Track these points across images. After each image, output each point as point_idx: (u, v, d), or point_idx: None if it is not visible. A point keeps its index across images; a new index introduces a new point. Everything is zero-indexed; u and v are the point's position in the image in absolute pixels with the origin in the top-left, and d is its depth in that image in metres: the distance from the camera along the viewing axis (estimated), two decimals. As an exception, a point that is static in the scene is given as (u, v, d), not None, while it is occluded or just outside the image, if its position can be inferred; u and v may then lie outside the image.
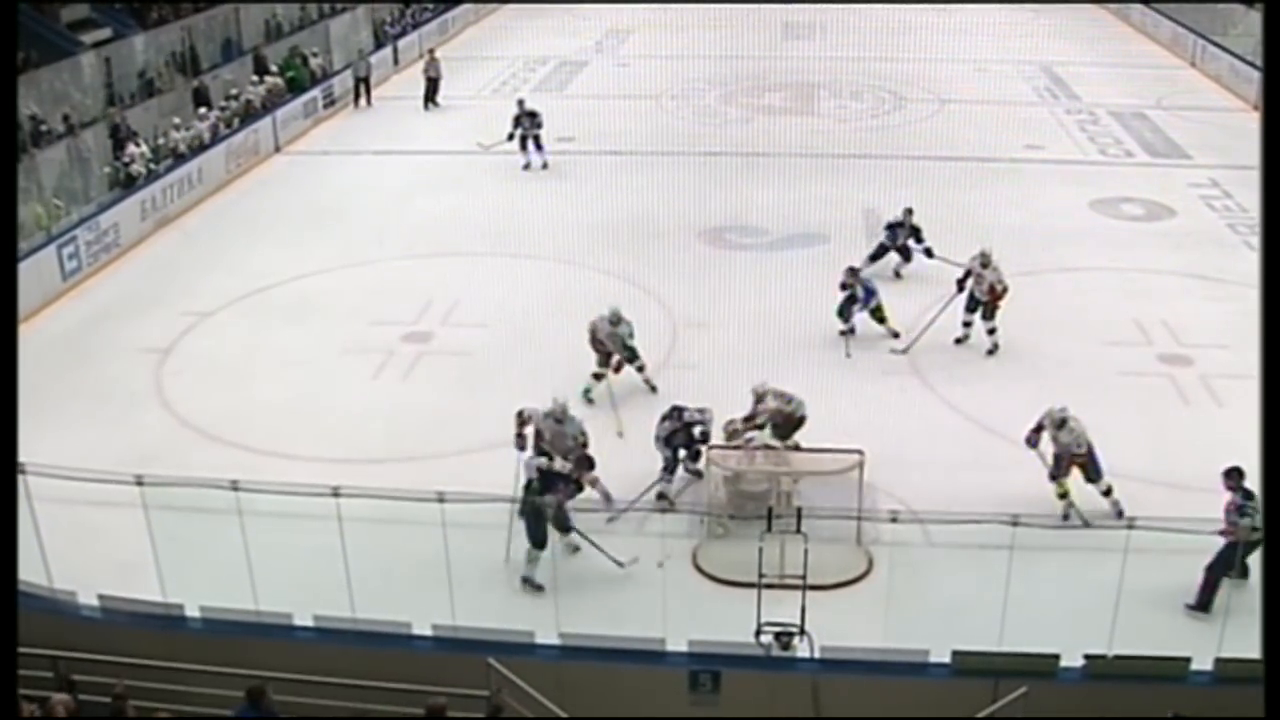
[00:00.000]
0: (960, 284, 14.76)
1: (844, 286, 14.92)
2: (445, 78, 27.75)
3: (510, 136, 22.37)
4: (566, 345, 13.92)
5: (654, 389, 13.48)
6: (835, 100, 27.69)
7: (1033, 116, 25.79)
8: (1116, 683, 8.80)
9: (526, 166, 22.28)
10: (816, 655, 9.00)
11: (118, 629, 9.58)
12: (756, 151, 21.76)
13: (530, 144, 22.24)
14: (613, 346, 13.38)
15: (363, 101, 27.95)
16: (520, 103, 22.74)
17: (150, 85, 24.53)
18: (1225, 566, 9.80)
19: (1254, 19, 27.00)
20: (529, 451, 11.24)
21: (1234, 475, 9.88)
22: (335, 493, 9.18)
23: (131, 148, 20.89)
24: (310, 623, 9.47)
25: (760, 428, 11.66)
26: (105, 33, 24.45)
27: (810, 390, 12.26)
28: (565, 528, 10.57)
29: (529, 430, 11.41)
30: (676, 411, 11.70)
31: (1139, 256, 17.99)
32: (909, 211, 16.77)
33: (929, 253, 16.57)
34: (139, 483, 9.41)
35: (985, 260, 14.53)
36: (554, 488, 10.41)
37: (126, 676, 8.54)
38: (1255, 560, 9.41)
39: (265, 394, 14.08)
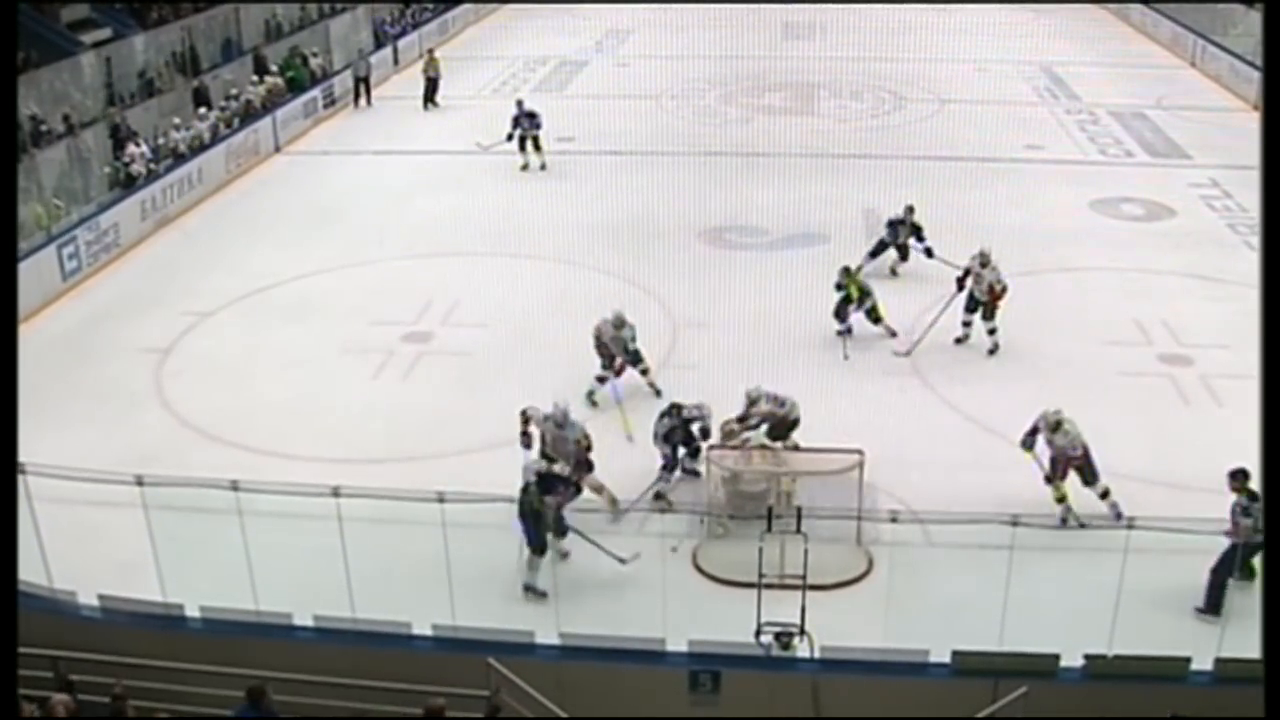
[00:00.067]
0: (960, 283, 14.77)
1: (839, 287, 14.92)
2: (445, 78, 27.77)
3: (509, 137, 22.37)
4: (566, 345, 13.92)
5: (658, 393, 13.44)
6: (835, 100, 27.70)
7: (1033, 116, 25.79)
8: (1116, 683, 8.80)
9: (524, 167, 22.26)
10: (816, 655, 9.00)
11: (118, 629, 9.58)
12: (756, 151, 21.77)
13: (529, 145, 22.25)
14: (616, 350, 13.39)
15: (363, 101, 27.96)
16: (519, 103, 22.73)
17: (150, 85, 24.52)
18: (1228, 568, 9.79)
19: (1254, 19, 26.99)
20: (535, 450, 11.25)
21: (1239, 477, 9.85)
22: (335, 493, 9.19)
23: (131, 148, 20.90)
24: (310, 623, 9.47)
25: (754, 429, 11.68)
26: (105, 33, 24.45)
27: (810, 390, 12.27)
28: (561, 531, 10.55)
29: (534, 430, 11.43)
30: (675, 409, 11.72)
31: (1139, 256, 17.99)
32: (910, 209, 16.78)
33: (929, 252, 16.58)
34: (139, 483, 9.41)
35: (984, 260, 14.53)
36: (553, 490, 10.41)
37: (126, 677, 8.55)
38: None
39: (265, 394, 14.08)
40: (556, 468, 10.67)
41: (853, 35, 28.16)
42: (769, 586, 9.03)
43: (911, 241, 16.78)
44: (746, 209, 19.28)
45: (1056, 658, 8.88)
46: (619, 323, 13.31)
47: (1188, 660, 8.87)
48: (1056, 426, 11.08)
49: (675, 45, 32.28)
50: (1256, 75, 24.37)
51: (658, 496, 11.52)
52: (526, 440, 11.34)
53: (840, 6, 27.63)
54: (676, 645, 9.17)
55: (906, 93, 27.97)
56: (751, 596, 9.04)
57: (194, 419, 13.55)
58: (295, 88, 26.62)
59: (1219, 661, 8.81)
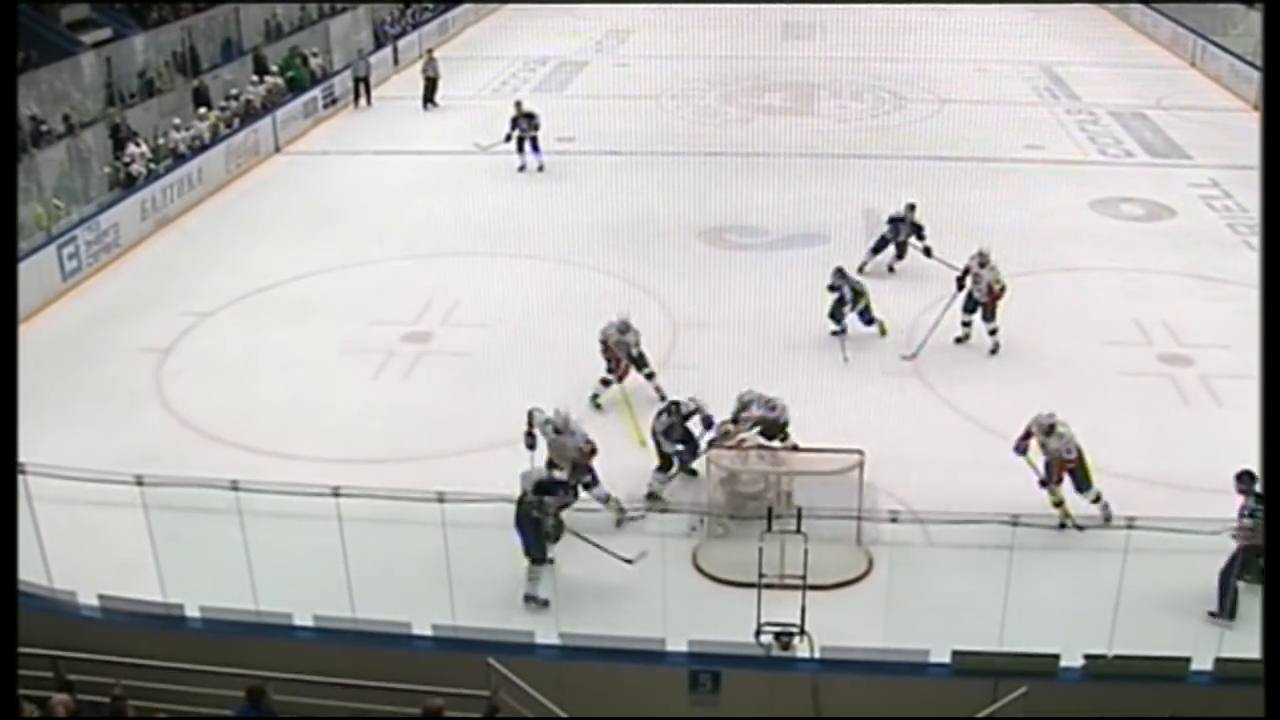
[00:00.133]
0: (960, 283, 14.77)
1: (832, 288, 14.92)
2: (444, 78, 27.76)
3: (508, 138, 22.36)
4: (566, 345, 13.93)
5: (664, 398, 13.41)
6: (835, 100, 27.70)
7: (1033, 116, 25.80)
8: (1116, 683, 8.80)
9: (522, 168, 22.25)
10: (816, 655, 9.00)
11: (118, 629, 9.58)
12: (756, 151, 21.75)
13: (527, 145, 22.24)
14: (620, 354, 13.40)
15: (362, 101, 27.95)
16: (518, 104, 22.72)
17: (150, 85, 24.52)
18: (1234, 571, 9.76)
19: (1254, 19, 27.00)
20: (540, 450, 11.25)
21: (1245, 479, 9.82)
22: (335, 493, 9.19)
23: (131, 148, 20.90)
24: (310, 623, 9.47)
25: (746, 433, 11.67)
26: (105, 33, 24.45)
27: (810, 390, 12.28)
28: (558, 536, 10.50)
29: (538, 431, 11.42)
30: (674, 406, 11.74)
31: (1139, 256, 17.99)
32: (911, 207, 16.80)
33: (928, 252, 16.57)
34: (139, 483, 9.41)
35: (983, 260, 14.53)
36: (551, 494, 10.37)
37: (126, 677, 8.55)
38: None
39: (265, 394, 14.08)
40: (557, 473, 10.66)
41: (853, 35, 28.16)
42: (769, 586, 9.02)
43: (911, 240, 16.79)
44: (746, 209, 19.28)
45: (1056, 658, 8.88)
46: (624, 327, 13.32)
47: (1188, 660, 8.86)
48: (1050, 430, 10.97)
49: (675, 45, 32.25)
50: (1256, 75, 24.39)
51: (650, 496, 11.54)
52: (531, 440, 11.33)
53: (840, 6, 27.65)
54: (676, 645, 9.16)
55: (906, 93, 27.97)
56: (751, 596, 9.04)
57: (194, 419, 13.55)
58: (295, 88, 26.62)
59: (1219, 661, 8.81)
